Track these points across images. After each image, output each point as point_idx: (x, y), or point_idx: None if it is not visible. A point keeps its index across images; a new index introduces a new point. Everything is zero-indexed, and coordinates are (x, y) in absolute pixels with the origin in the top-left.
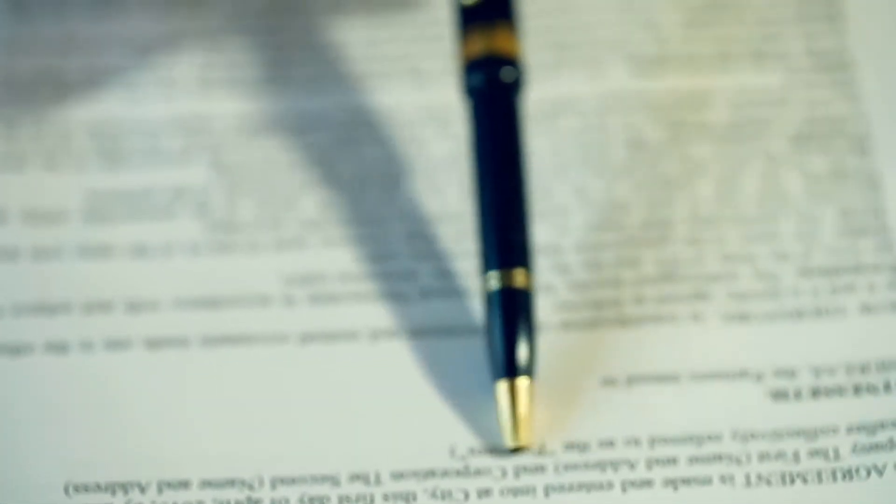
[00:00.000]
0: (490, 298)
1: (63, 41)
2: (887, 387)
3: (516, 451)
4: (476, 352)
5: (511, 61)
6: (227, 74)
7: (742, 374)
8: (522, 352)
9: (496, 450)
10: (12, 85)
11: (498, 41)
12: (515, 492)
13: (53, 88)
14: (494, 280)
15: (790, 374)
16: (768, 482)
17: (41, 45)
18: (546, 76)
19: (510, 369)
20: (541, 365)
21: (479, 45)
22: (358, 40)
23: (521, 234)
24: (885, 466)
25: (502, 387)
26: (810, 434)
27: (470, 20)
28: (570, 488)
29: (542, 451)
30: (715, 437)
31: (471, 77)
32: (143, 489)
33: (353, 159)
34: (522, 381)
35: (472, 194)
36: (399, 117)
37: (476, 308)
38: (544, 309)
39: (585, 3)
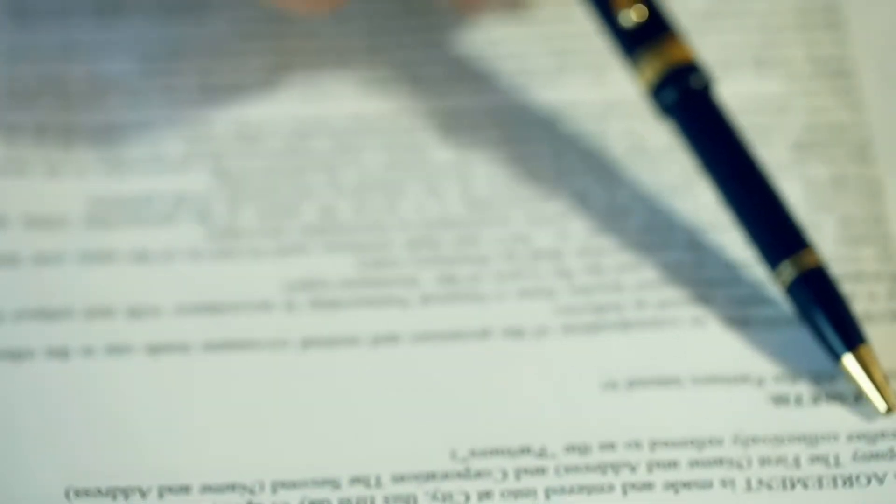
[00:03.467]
0: (792, 289)
1: (65, 48)
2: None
3: (889, 413)
4: (475, 356)
5: (693, 67)
6: (228, 81)
7: (743, 378)
8: (850, 322)
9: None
10: (14, 91)
11: (674, 53)
12: (516, 494)
13: (55, 95)
14: (789, 270)
15: (791, 379)
16: (769, 487)
17: (43, 51)
18: (548, 82)
19: (851, 340)
20: (542, 368)
21: (658, 64)
22: (359, 46)
23: (786, 217)
24: (885, 475)
25: (850, 361)
26: (811, 440)
27: (636, 43)
28: (571, 490)
29: (542, 453)
30: (716, 441)
31: (663, 96)
32: (143, 494)
33: (353, 165)
34: (867, 348)
35: (726, 205)
36: (400, 123)
37: (475, 314)
38: (546, 313)
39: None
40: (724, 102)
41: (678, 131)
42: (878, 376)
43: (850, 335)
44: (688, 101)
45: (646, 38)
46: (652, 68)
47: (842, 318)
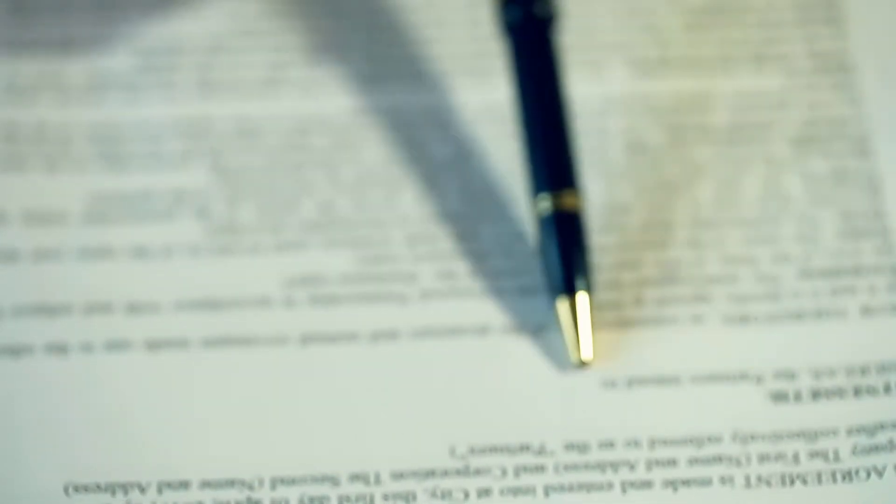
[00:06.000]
0: (543, 221)
1: (64, 44)
2: (887, 388)
3: (582, 366)
4: (474, 352)
5: None
6: (227, 77)
7: (742, 375)
8: (579, 269)
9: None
10: (13, 87)
11: None
12: (515, 491)
13: (54, 91)
14: (545, 203)
15: (790, 375)
16: (768, 483)
17: (42, 47)
18: None
19: (568, 287)
20: (541, 365)
21: None
22: (358, 43)
23: (567, 157)
24: (884, 468)
25: (563, 304)
26: (810, 436)
27: None
28: (570, 488)
29: (542, 451)
30: (715, 439)
31: (508, 12)
32: (142, 489)
33: (353, 161)
34: (581, 297)
35: (518, 127)
36: (399, 119)
37: (474, 310)
38: (545, 310)
39: (586, 6)
40: (558, 42)
41: (508, 52)
42: (581, 328)
43: (571, 282)
44: (525, 25)
45: None
46: None
47: (572, 264)
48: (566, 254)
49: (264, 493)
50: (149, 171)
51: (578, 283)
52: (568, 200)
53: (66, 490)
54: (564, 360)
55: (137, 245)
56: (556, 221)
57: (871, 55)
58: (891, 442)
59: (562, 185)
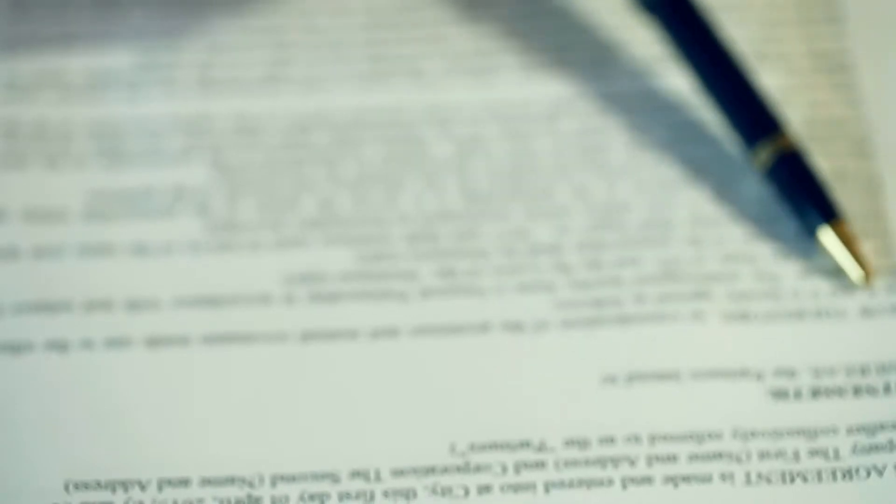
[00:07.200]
0: (774, 169)
1: (64, 40)
2: (887, 388)
3: (866, 282)
4: (474, 350)
5: None
6: (228, 74)
7: (742, 373)
8: (830, 197)
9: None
10: (13, 84)
11: None
12: (515, 488)
13: (54, 88)
14: (767, 151)
15: (790, 373)
16: (768, 480)
17: (42, 44)
18: (547, 76)
19: (829, 213)
20: (541, 362)
21: None
22: (359, 40)
23: (766, 104)
24: (884, 467)
25: (827, 232)
26: (810, 433)
27: None
28: (571, 484)
29: (542, 448)
30: (715, 436)
31: None
32: (143, 487)
33: (353, 159)
34: (844, 223)
35: (707, 93)
36: (400, 117)
37: (474, 307)
38: (546, 307)
39: (586, 4)
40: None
41: (660, 27)
42: (854, 247)
43: (827, 210)
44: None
45: None
46: None
47: (822, 195)
48: (811, 187)
49: (265, 491)
50: (149, 168)
51: (836, 209)
52: (785, 141)
53: (66, 487)
54: (563, 359)
55: (137, 242)
56: (788, 163)
57: (871, 55)
58: (891, 442)
59: (773, 130)
